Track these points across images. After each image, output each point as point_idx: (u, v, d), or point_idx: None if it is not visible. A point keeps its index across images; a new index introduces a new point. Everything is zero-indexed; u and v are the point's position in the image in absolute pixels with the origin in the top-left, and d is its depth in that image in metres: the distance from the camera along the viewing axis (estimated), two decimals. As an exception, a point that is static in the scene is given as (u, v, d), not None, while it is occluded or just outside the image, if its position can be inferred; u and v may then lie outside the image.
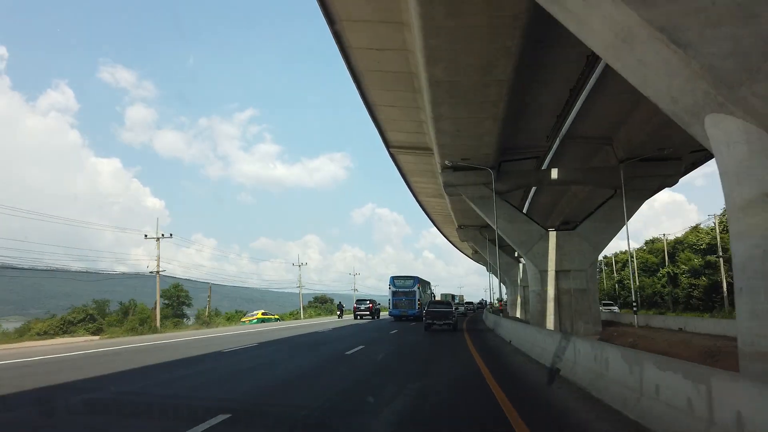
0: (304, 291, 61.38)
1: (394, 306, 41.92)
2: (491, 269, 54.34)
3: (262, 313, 43.70)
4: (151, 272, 31.94)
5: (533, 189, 31.29)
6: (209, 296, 41.34)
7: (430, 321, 27.35)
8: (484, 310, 56.29)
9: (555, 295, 25.34)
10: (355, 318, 48.27)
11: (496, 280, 77.12)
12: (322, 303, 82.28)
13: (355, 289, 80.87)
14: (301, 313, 56.65)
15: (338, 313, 54.39)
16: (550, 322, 25.18)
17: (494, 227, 26.21)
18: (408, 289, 41.91)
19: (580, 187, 31.29)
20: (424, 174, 32.82)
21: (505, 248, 55.04)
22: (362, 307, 49.01)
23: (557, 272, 25.54)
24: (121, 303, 38.97)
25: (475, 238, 46.28)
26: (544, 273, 25.61)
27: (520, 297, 46.08)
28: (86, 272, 37.45)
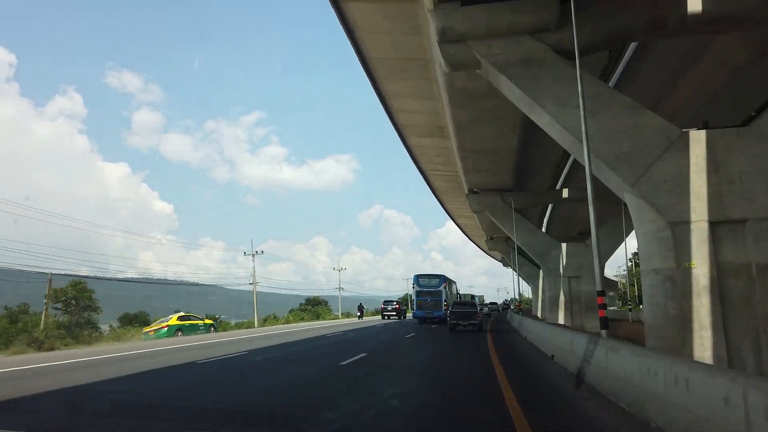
0: (297, 292, 53.06)
1: (419, 307, 38.58)
2: (514, 263, 39.55)
3: (179, 318, 28.75)
4: None
5: (620, 69, 16.06)
6: (47, 296, 26.58)
7: (455, 321, 26.11)
8: (509, 311, 50.56)
9: (711, 279, 10.46)
10: (383, 318, 49.90)
11: (522, 283, 60.56)
12: (314, 305, 70.49)
13: (340, 288, 66.41)
14: (255, 319, 41.96)
15: (359, 314, 54.54)
16: (704, 343, 10.29)
17: (557, 116, 11.40)
18: (434, 289, 38.43)
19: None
20: (408, 69, 17.95)
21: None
22: (389, 308, 51.32)
23: (713, 226, 10.63)
24: None
25: (494, 207, 31.16)
26: (680, 228, 10.69)
27: (564, 293, 30.86)
28: None
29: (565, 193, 30.51)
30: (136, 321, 60.65)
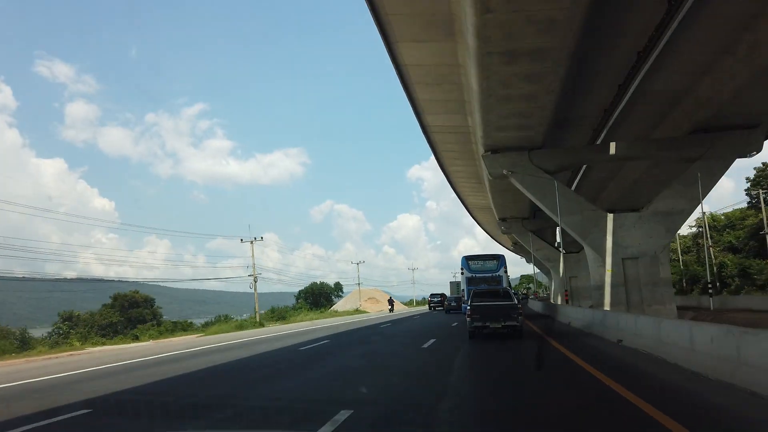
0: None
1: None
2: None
3: None
4: None
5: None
6: None
7: (480, 323, 16.16)
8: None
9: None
10: (430, 309, 55.79)
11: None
12: (127, 307, 52.05)
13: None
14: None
15: (390, 307, 61.65)
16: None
17: None
18: (490, 275, 29.34)
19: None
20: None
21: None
22: (435, 300, 56.73)
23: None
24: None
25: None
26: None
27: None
28: None
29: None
30: None
